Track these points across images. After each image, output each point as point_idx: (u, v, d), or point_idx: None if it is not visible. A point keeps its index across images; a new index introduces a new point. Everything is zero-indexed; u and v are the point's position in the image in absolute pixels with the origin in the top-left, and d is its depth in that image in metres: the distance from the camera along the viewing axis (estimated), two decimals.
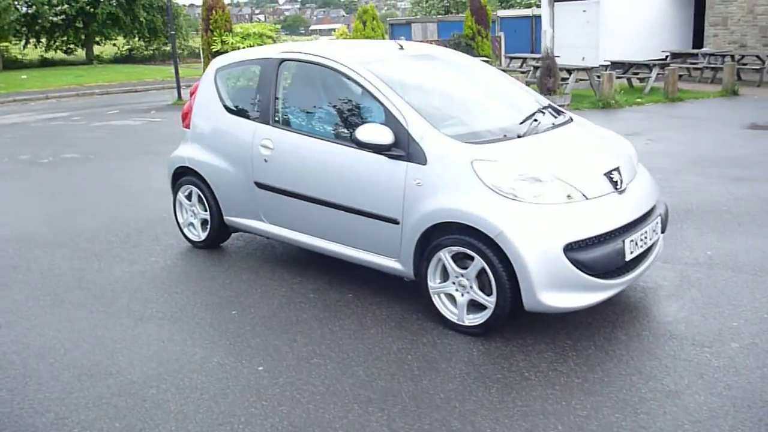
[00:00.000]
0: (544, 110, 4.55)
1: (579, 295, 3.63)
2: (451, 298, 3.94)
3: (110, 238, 5.94)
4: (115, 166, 9.45)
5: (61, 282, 4.94)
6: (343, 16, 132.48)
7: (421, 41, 22.45)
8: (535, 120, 4.31)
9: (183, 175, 5.44)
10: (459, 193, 3.75)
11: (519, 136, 4.08)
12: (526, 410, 3.14)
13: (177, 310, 4.37)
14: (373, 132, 3.96)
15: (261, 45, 16.34)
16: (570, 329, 3.92)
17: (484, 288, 3.77)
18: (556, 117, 4.57)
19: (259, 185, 4.77)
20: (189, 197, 5.47)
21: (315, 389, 3.37)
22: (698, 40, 22.64)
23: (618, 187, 3.92)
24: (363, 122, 4.21)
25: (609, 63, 17.60)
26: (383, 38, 19.29)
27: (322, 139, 4.45)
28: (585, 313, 4.00)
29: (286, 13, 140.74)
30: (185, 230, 5.62)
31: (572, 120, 4.61)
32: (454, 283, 3.89)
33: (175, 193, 5.57)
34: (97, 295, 4.66)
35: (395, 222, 4.03)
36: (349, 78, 4.34)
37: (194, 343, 3.91)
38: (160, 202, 6.90)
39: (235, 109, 5.06)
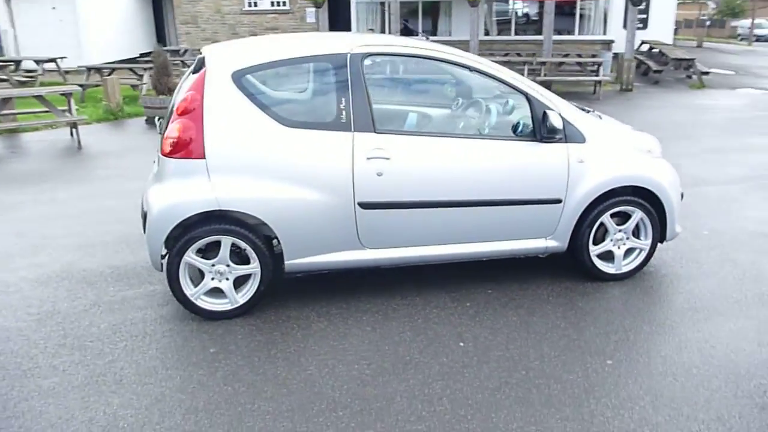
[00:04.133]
0: None
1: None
2: (601, 255, 4.53)
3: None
4: None
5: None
6: None
7: None
8: None
9: (192, 228, 3.85)
10: (625, 161, 4.38)
11: (598, 116, 4.83)
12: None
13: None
14: (557, 118, 4.09)
15: None
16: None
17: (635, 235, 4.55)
18: None
19: (367, 205, 3.99)
20: (205, 255, 3.93)
21: (651, 366, 3.65)
22: (161, 37, 23.73)
23: None
24: (504, 113, 4.23)
25: (86, 68, 14.55)
26: None
27: (458, 137, 4.16)
28: None
29: None
30: (198, 303, 3.99)
31: None
32: (611, 240, 4.49)
33: (177, 257, 3.86)
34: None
35: (557, 202, 4.29)
36: (476, 70, 4.16)
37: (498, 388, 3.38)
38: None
39: (303, 121, 3.94)
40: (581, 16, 18.87)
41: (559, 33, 18.52)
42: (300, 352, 3.66)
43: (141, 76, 13.53)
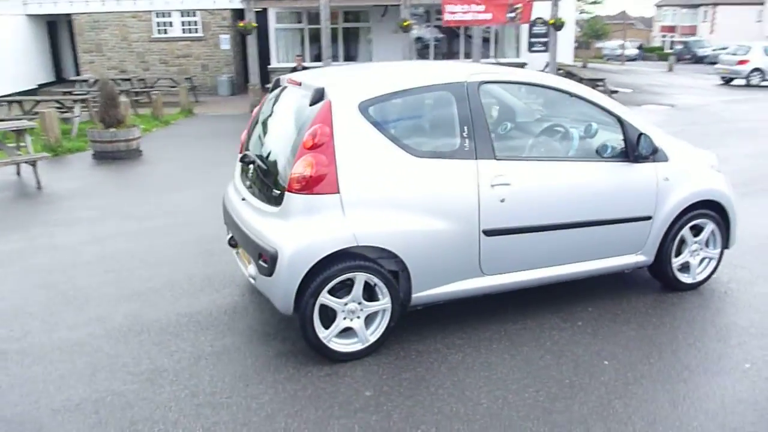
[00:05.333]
0: None
1: None
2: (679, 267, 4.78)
3: None
4: None
5: None
6: None
7: None
8: None
9: (327, 266, 3.67)
10: (701, 177, 4.67)
11: None
12: None
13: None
14: (655, 140, 4.31)
15: None
16: None
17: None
18: None
19: (491, 232, 4.00)
20: (334, 294, 3.75)
21: None
22: (59, 67, 22.30)
23: None
24: (590, 135, 4.40)
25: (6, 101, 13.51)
26: None
27: (565, 161, 4.28)
28: None
29: None
30: (331, 345, 3.80)
31: None
32: (689, 251, 4.77)
33: (312, 298, 3.66)
34: None
35: (647, 218, 4.50)
36: (575, 96, 4.32)
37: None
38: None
39: (430, 150, 3.88)
40: (495, 41, 19.80)
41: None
42: (458, 385, 3.58)
43: (70, 108, 12.59)
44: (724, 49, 39.32)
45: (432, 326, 4.25)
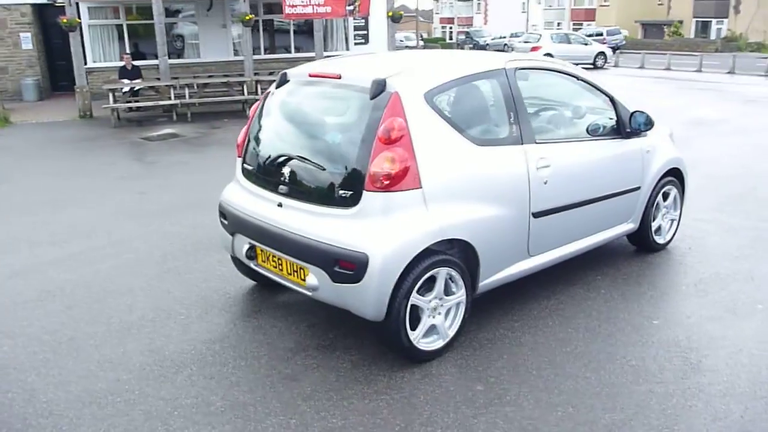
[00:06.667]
0: None
1: None
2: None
3: None
4: None
5: None
6: None
7: None
8: None
9: (417, 264, 3.53)
10: (668, 147, 5.24)
11: None
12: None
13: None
14: (649, 115, 4.74)
15: None
16: None
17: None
18: None
19: (538, 214, 4.13)
20: (425, 290, 3.65)
21: None
22: None
23: None
24: (599, 116, 4.73)
25: None
26: None
27: (583, 141, 4.53)
28: None
29: None
30: (419, 347, 3.68)
31: None
32: (661, 215, 5.32)
33: (405, 299, 3.51)
34: None
35: (638, 189, 4.96)
36: (584, 81, 4.61)
37: None
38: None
39: (488, 138, 3.87)
40: (325, 35, 19.87)
41: (303, 50, 19.28)
42: (554, 364, 3.66)
43: None
44: (502, 37, 43.53)
45: (479, 314, 4.24)
